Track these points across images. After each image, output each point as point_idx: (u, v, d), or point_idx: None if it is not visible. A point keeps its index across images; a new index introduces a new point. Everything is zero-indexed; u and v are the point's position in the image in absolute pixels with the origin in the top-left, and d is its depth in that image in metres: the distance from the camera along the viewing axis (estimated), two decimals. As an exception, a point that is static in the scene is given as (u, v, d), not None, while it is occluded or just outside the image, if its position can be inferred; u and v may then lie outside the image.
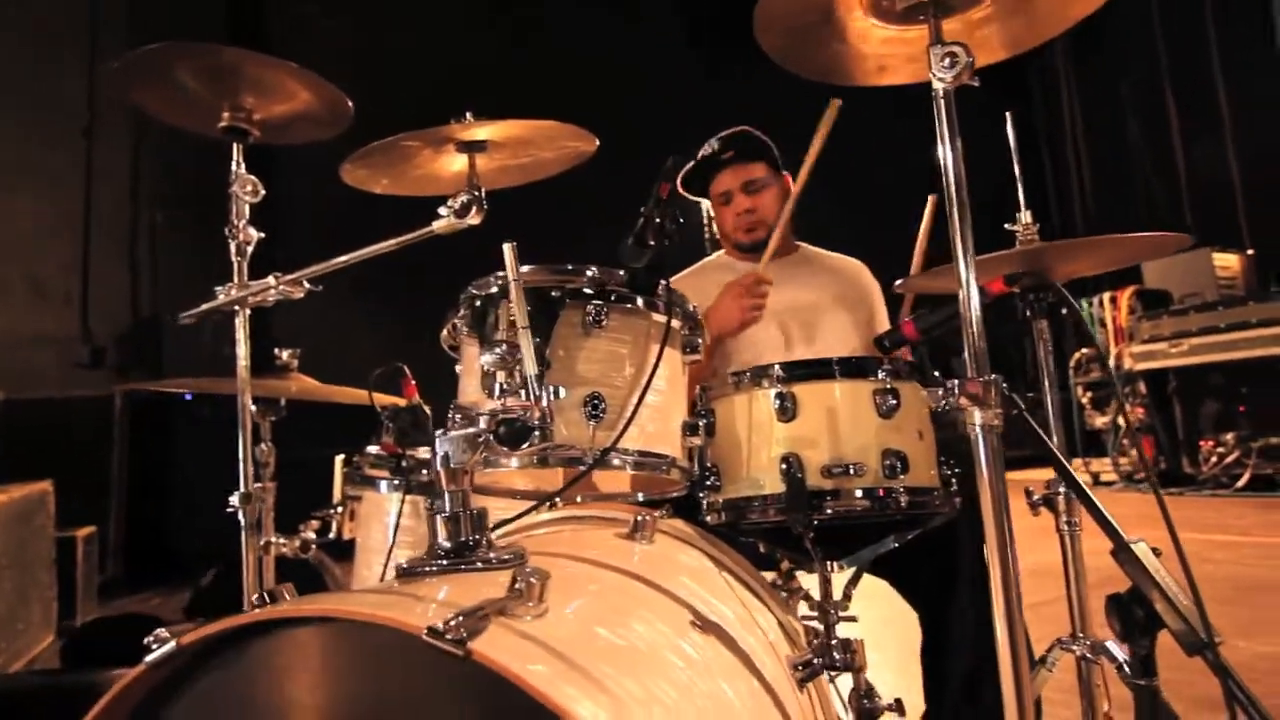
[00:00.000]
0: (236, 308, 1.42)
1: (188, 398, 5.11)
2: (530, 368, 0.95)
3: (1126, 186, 7.86)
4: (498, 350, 1.10)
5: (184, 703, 0.75)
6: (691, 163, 2.08)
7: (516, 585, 0.75)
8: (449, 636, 0.63)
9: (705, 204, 2.24)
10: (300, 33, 5.72)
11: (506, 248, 0.98)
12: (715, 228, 2.23)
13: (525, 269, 1.18)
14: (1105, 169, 8.25)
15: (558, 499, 1.37)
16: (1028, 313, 1.43)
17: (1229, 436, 5.60)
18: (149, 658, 0.72)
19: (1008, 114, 1.42)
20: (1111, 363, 6.23)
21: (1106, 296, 6.52)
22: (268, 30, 5.88)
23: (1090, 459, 6.62)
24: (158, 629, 0.72)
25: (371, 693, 0.70)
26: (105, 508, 4.71)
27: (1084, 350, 6.70)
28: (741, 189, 2.09)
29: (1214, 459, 5.63)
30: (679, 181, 2.04)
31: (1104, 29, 7.71)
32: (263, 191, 1.47)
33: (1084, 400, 6.69)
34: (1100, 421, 6.47)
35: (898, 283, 1.55)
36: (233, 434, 1.49)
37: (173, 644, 0.71)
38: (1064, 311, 1.38)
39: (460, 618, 0.64)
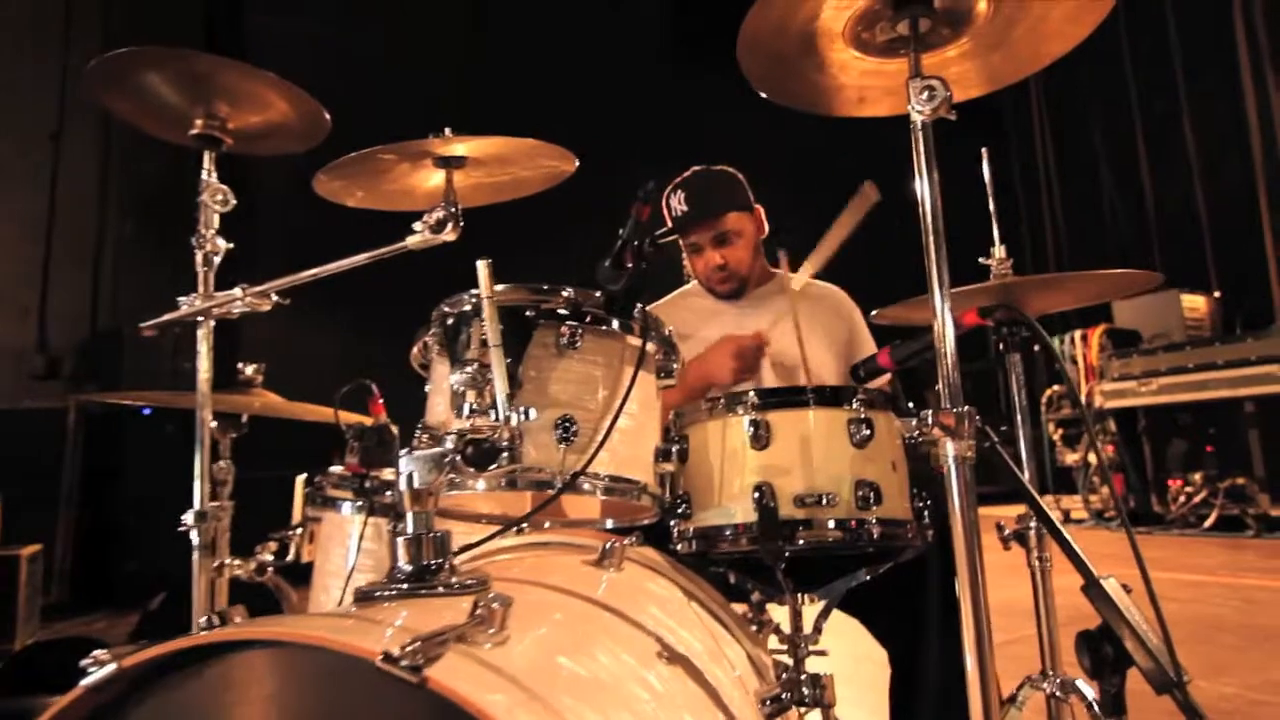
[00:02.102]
0: (200, 319, 1.39)
1: (146, 412, 5.00)
2: (501, 387, 0.94)
3: (1098, 229, 8.07)
4: (468, 370, 1.08)
5: (123, 730, 0.72)
6: (667, 230, 2.10)
7: (478, 611, 0.73)
8: (404, 663, 0.61)
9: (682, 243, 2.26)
10: (278, 35, 5.68)
11: (480, 265, 0.97)
12: (689, 270, 2.25)
13: (500, 288, 1.17)
14: (1077, 211, 8.47)
15: (524, 524, 1.34)
16: (1000, 346, 1.45)
17: (1196, 476, 5.70)
18: (86, 680, 0.69)
19: (984, 150, 1.45)
20: (1082, 399, 6.33)
21: (1078, 334, 6.64)
22: (244, 33, 5.85)
23: (1061, 495, 6.71)
24: (96, 650, 0.69)
25: (322, 721, 0.67)
26: (53, 525, 4.57)
27: (1055, 387, 6.81)
28: (711, 243, 2.11)
29: (1182, 498, 5.73)
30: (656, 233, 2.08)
31: (1077, 71, 7.96)
32: (233, 201, 1.45)
33: (1055, 437, 6.78)
34: (1071, 458, 6.56)
35: (874, 313, 1.56)
36: (193, 452, 1.46)
37: (113, 666, 0.68)
38: (1035, 349, 1.41)
39: (417, 644, 0.62)
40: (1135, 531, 5.05)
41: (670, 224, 2.13)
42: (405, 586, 0.89)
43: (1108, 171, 7.92)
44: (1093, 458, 6.38)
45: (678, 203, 2.09)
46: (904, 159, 1.04)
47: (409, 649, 0.62)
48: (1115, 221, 7.89)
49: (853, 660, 1.99)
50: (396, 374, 1.46)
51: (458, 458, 0.91)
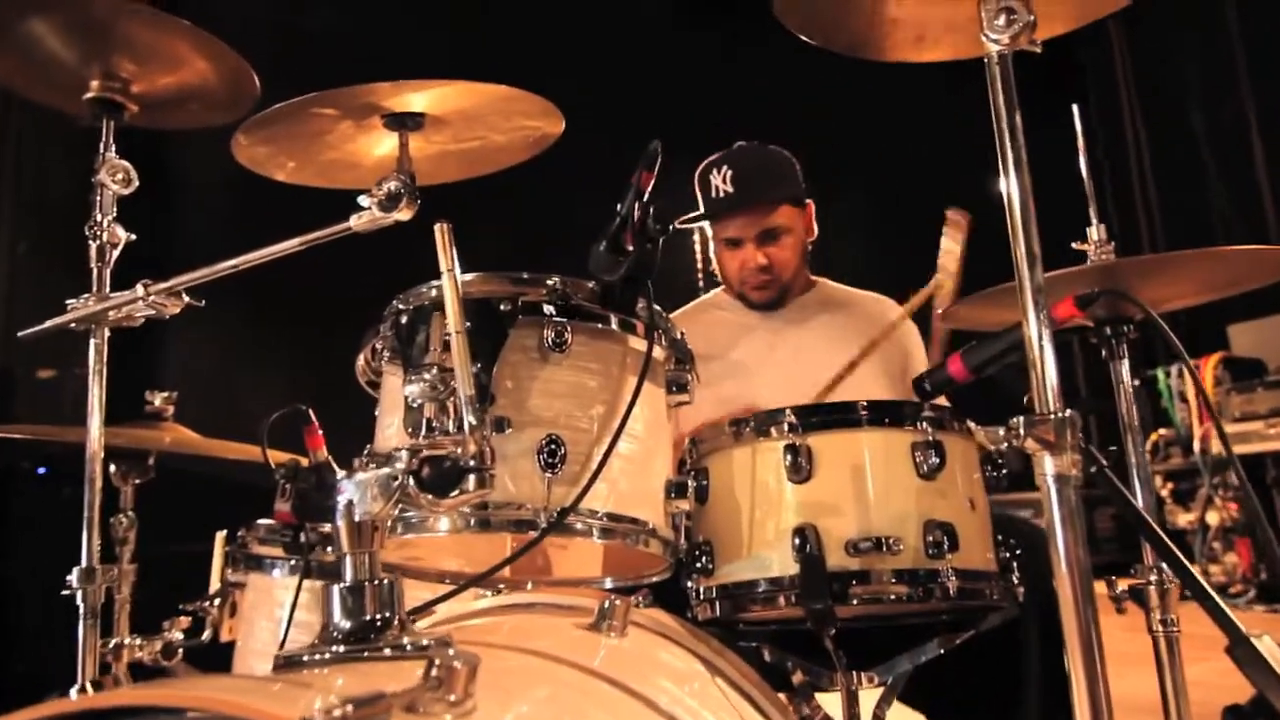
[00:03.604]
0: (93, 326, 1.36)
1: (41, 472, 4.95)
2: (464, 385, 0.89)
3: (1203, 227, 7.95)
4: (427, 376, 1.04)
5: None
6: (698, 214, 2.08)
7: (434, 673, 0.68)
8: (332, 732, 0.55)
9: (697, 236, 2.23)
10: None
11: (439, 229, 0.93)
12: (716, 267, 2.20)
13: (468, 277, 1.14)
14: (1173, 204, 8.35)
15: (498, 577, 1.28)
16: (1103, 352, 1.40)
17: (1344, 539, 5.57)
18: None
19: (1074, 106, 1.42)
20: (1196, 445, 6.23)
21: (1187, 365, 6.55)
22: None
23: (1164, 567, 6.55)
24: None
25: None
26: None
27: (1161, 431, 6.71)
28: (756, 239, 2.06)
29: (1327, 567, 5.59)
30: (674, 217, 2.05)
31: (1169, 38, 7.91)
32: (135, 181, 1.43)
33: (1163, 493, 6.66)
34: (1185, 519, 6.43)
35: (940, 311, 1.52)
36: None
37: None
38: (1136, 382, 1.36)
39: (349, 707, 0.57)
40: (1270, 610, 4.88)
41: (703, 205, 2.09)
42: (343, 649, 0.83)
43: (1211, 156, 7.86)
44: (1212, 517, 6.25)
45: (720, 181, 2.03)
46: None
47: (337, 714, 0.56)
48: (1224, 218, 7.82)
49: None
50: (345, 406, 1.41)
51: (410, 480, 0.86)
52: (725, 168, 2.03)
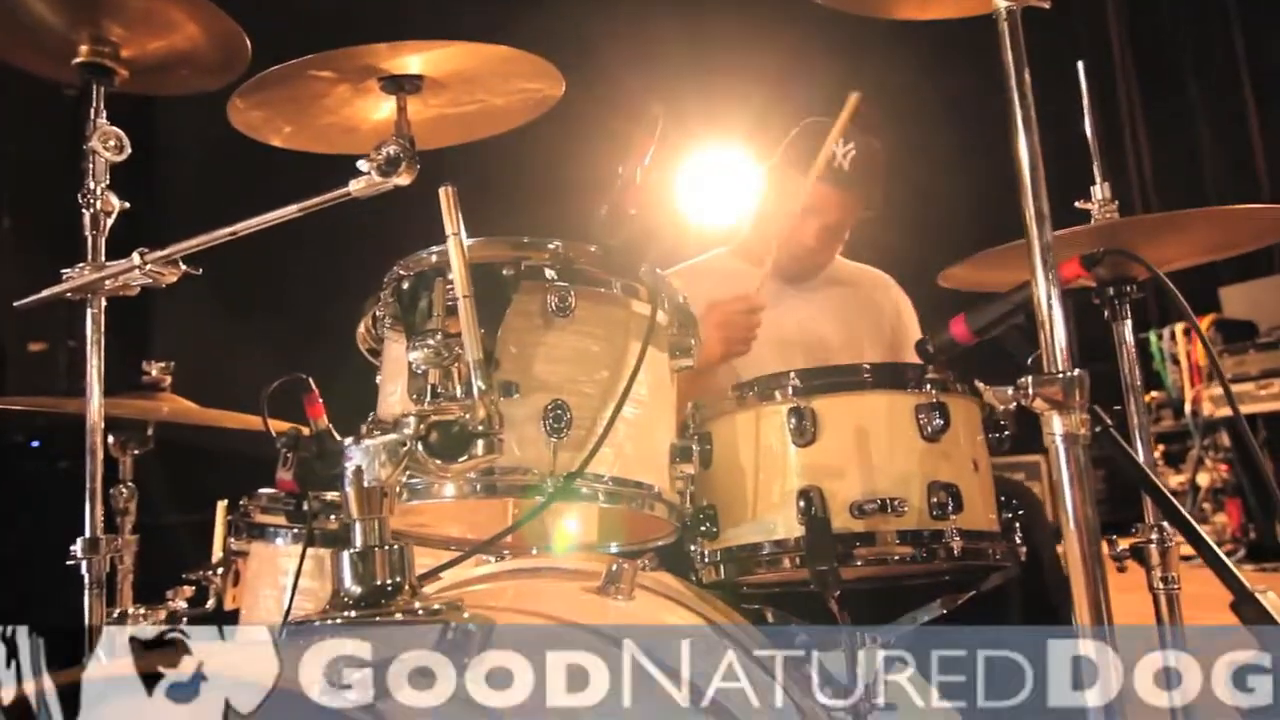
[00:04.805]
0: (89, 296, 1.34)
1: (34, 445, 4.93)
2: (472, 349, 0.89)
3: (1195, 193, 7.96)
4: (431, 342, 1.03)
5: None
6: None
7: (449, 636, 0.68)
8: (353, 696, 0.55)
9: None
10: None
11: (443, 192, 0.92)
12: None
13: (469, 242, 1.13)
14: (1167, 170, 8.34)
15: (503, 541, 1.29)
16: (1106, 314, 1.40)
17: (1333, 498, 5.62)
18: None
19: (1079, 64, 1.41)
20: (1187, 408, 6.27)
21: (1179, 328, 6.57)
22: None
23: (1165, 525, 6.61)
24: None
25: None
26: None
27: (1153, 393, 6.75)
28: (828, 227, 2.02)
29: (1316, 526, 5.65)
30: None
31: (1164, 9, 7.87)
32: (128, 149, 1.40)
33: (1155, 455, 6.71)
34: (1176, 481, 6.49)
35: (941, 274, 1.51)
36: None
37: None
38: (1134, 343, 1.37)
39: (367, 672, 0.57)
40: (1257, 569, 4.92)
41: (794, 155, 2.04)
42: (353, 614, 0.83)
43: (1205, 124, 7.85)
44: (1202, 479, 6.31)
45: (842, 154, 1.96)
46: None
47: (359, 679, 0.56)
48: (1216, 184, 7.81)
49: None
50: (343, 374, 1.40)
51: (419, 445, 0.86)
52: (852, 145, 1.96)
